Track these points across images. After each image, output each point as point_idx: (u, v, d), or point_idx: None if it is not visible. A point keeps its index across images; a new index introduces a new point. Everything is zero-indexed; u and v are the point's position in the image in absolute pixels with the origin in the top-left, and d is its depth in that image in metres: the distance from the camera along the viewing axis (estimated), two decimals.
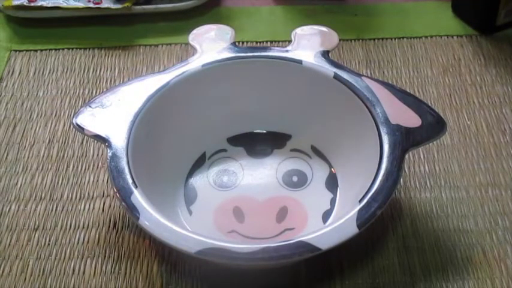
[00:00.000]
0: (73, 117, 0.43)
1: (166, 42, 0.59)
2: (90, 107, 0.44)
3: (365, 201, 0.39)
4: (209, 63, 0.47)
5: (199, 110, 0.48)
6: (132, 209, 0.39)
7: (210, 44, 0.49)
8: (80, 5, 0.60)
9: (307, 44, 0.48)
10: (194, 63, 0.47)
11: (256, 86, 0.48)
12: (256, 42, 0.59)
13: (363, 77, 0.46)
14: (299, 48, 0.48)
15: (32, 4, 0.60)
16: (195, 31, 0.50)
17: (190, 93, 0.47)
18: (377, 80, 0.46)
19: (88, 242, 0.45)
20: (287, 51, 0.48)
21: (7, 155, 0.50)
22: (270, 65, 0.48)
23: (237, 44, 0.49)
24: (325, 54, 0.48)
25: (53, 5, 0.59)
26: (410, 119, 0.43)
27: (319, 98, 0.47)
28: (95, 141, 0.50)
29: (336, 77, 0.46)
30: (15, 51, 0.59)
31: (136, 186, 0.40)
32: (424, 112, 0.43)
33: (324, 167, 0.48)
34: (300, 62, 0.47)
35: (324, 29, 0.50)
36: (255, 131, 0.50)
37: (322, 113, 0.48)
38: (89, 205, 0.47)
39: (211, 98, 0.48)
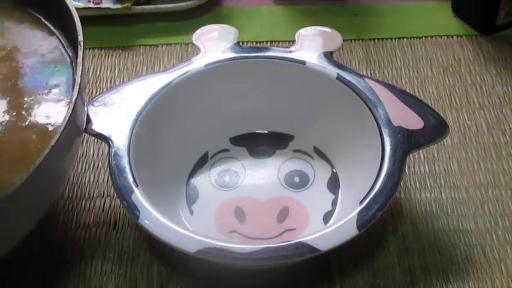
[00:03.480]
0: None
1: (166, 42, 0.59)
2: (92, 105, 0.44)
3: (365, 202, 0.39)
4: (212, 63, 0.47)
5: (201, 110, 0.48)
6: (133, 208, 0.39)
7: (214, 43, 0.49)
8: (80, 5, 0.60)
9: (311, 45, 0.48)
10: (197, 63, 0.47)
11: (259, 86, 0.48)
12: (257, 42, 0.59)
13: (365, 79, 0.46)
14: (302, 49, 0.48)
15: None
16: (198, 31, 0.50)
17: (193, 93, 0.47)
18: (380, 82, 0.46)
19: (88, 241, 0.45)
20: (290, 51, 0.48)
21: None
22: (273, 65, 0.48)
23: (240, 44, 0.49)
24: (329, 55, 0.48)
25: None
26: (413, 121, 0.43)
27: (322, 99, 0.47)
28: (95, 141, 0.50)
29: (339, 78, 0.46)
30: None
31: (137, 185, 0.40)
32: (426, 114, 0.44)
33: (325, 168, 0.48)
34: (303, 62, 0.47)
35: (327, 29, 0.50)
36: (258, 132, 0.50)
37: (324, 114, 0.48)
38: (89, 204, 0.47)
39: (214, 97, 0.48)
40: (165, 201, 0.43)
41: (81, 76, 0.39)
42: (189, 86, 0.46)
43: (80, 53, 0.40)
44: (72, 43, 0.43)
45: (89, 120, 0.43)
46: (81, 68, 0.39)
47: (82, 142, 0.51)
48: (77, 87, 0.38)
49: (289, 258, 0.38)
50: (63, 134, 0.36)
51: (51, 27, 0.45)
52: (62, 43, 0.44)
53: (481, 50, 0.58)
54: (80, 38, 0.41)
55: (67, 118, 0.37)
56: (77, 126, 0.40)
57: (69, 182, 0.48)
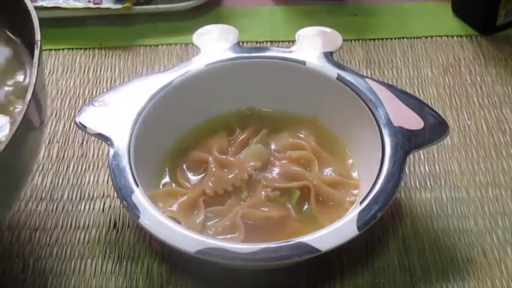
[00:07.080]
0: (76, 115, 0.44)
1: (166, 42, 0.59)
2: (93, 105, 0.44)
3: (366, 203, 0.39)
4: (212, 63, 0.47)
5: (202, 110, 0.48)
6: (133, 208, 0.39)
7: (214, 43, 0.49)
8: (80, 5, 0.60)
9: (311, 45, 0.48)
10: (197, 63, 0.47)
11: (259, 86, 0.48)
12: (256, 42, 0.59)
13: (366, 79, 0.46)
14: (303, 49, 0.48)
15: (32, 4, 0.59)
16: (199, 31, 0.50)
17: (193, 92, 0.47)
18: (380, 82, 0.46)
19: (88, 242, 0.45)
20: (291, 52, 0.48)
21: None
22: (273, 65, 0.48)
23: (240, 44, 0.49)
24: (329, 55, 0.48)
25: (53, 5, 0.59)
26: (413, 121, 0.43)
27: (322, 99, 0.47)
28: (95, 142, 0.50)
29: (339, 78, 0.46)
30: None
31: (137, 185, 0.40)
32: (426, 114, 0.43)
33: None
34: (303, 63, 0.47)
35: (327, 30, 0.50)
36: None
37: (325, 114, 0.48)
38: (89, 205, 0.47)
39: (214, 97, 0.48)
40: None
41: (36, 78, 0.36)
42: (189, 86, 0.46)
43: (37, 52, 0.38)
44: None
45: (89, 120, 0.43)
46: (36, 69, 0.37)
47: (82, 142, 0.51)
48: (31, 88, 0.36)
49: (289, 259, 0.38)
50: (12, 142, 0.34)
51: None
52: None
53: (481, 50, 0.58)
54: (38, 37, 0.39)
55: (18, 124, 0.34)
56: (32, 127, 0.37)
57: (69, 183, 0.48)
